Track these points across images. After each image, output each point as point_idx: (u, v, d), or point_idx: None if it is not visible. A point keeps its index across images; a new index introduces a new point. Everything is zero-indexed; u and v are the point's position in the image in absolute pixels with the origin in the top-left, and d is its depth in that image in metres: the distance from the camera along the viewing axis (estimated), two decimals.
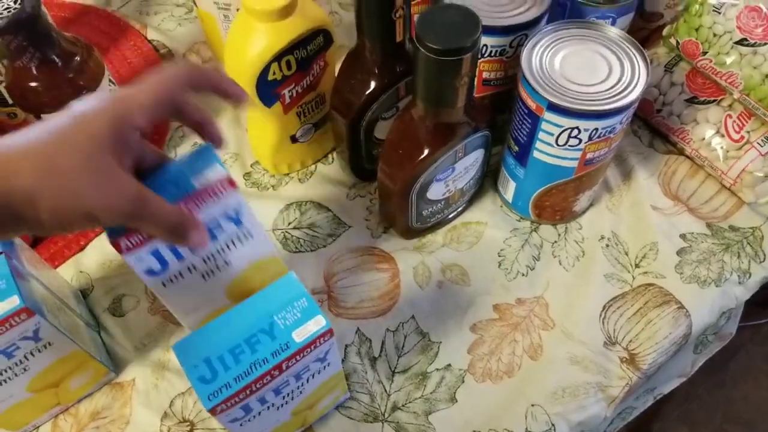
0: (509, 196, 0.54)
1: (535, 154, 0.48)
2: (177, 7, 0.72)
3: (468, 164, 0.50)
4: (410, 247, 0.54)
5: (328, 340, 0.36)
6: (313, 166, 0.59)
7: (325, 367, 0.39)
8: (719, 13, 0.52)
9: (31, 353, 0.40)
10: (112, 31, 0.69)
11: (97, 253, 0.55)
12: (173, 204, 0.33)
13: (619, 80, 0.44)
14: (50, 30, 0.47)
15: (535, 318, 0.50)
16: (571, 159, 0.47)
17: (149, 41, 0.69)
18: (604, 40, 0.46)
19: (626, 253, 0.53)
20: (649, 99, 0.58)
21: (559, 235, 0.54)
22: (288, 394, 0.38)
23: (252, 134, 0.58)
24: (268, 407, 0.38)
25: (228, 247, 0.38)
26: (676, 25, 0.54)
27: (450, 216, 0.55)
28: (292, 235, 0.55)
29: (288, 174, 0.59)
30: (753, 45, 0.50)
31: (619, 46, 0.46)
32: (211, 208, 0.35)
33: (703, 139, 0.55)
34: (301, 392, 0.39)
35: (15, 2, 0.44)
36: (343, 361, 0.48)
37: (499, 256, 0.53)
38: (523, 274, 0.52)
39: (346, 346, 0.49)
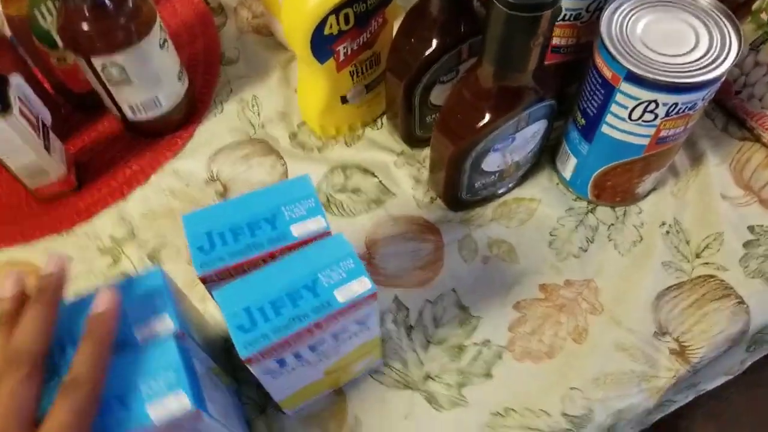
0: (568, 173, 0.51)
1: (604, 128, 0.45)
2: None
3: (528, 135, 0.47)
4: (457, 220, 0.52)
5: (370, 304, 0.35)
6: (362, 130, 0.57)
7: (364, 330, 0.37)
8: None
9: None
10: None
11: (139, 203, 0.54)
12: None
13: (707, 52, 0.40)
14: None
15: (584, 301, 0.48)
16: (644, 136, 0.44)
17: None
18: (693, 7, 0.42)
19: (687, 242, 0.50)
20: (728, 79, 0.54)
21: (617, 218, 0.51)
22: (324, 353, 0.37)
23: (301, 94, 0.56)
24: (303, 364, 0.36)
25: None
26: None
27: (501, 191, 0.52)
28: (336, 199, 0.53)
29: (335, 137, 0.57)
30: None
31: (710, 15, 0.42)
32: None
33: None
34: (337, 352, 0.38)
35: None
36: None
37: (551, 235, 0.51)
38: (574, 256, 0.49)
39: (382, 312, 0.47)
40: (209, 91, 0.60)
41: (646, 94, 0.40)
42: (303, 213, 0.36)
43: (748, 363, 0.55)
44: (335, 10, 0.45)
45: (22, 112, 0.47)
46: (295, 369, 0.37)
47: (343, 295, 0.33)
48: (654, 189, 0.52)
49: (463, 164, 0.46)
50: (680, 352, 0.46)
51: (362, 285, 0.34)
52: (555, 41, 0.48)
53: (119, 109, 0.53)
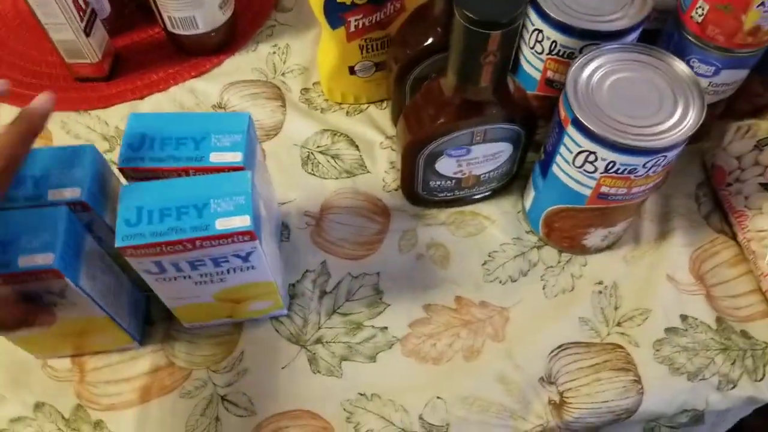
0: (527, 204, 0.52)
1: (554, 168, 0.45)
2: None
3: (489, 153, 0.48)
4: (411, 212, 0.54)
5: (248, 241, 0.38)
6: (366, 106, 0.60)
7: (249, 267, 0.41)
8: None
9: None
10: None
11: (151, 107, 0.60)
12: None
13: (662, 122, 0.40)
14: None
15: (489, 326, 0.48)
16: (585, 186, 0.44)
17: None
18: (671, 75, 0.42)
19: (615, 308, 0.49)
20: (725, 168, 0.52)
21: (559, 262, 0.51)
22: (206, 275, 0.41)
23: (319, 54, 0.59)
24: (184, 277, 0.40)
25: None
26: None
27: (461, 198, 0.53)
28: (315, 158, 0.57)
29: (340, 104, 0.60)
30: None
31: (682, 88, 0.41)
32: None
33: (760, 231, 0.49)
34: (221, 280, 0.42)
35: None
36: (297, 282, 0.50)
37: (489, 256, 0.52)
38: (501, 282, 0.50)
39: (307, 271, 0.51)
40: (253, 30, 0.65)
41: (586, 143, 0.41)
42: (231, 209, 0.38)
43: None
44: None
45: None
46: (177, 280, 0.41)
47: (222, 224, 0.37)
48: (608, 248, 0.52)
49: (416, 158, 0.48)
50: (558, 405, 0.46)
51: (243, 221, 0.37)
52: (549, 74, 0.49)
53: (162, 19, 0.59)
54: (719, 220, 0.53)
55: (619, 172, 0.41)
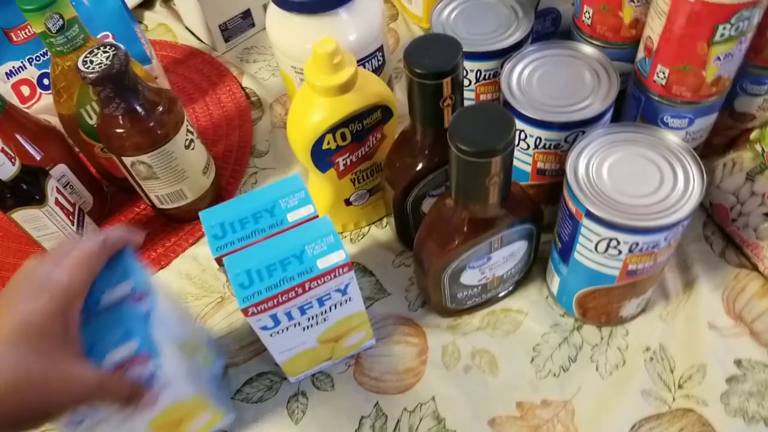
0: (554, 288, 0.53)
1: (576, 255, 0.46)
2: (273, 58, 0.77)
3: (507, 254, 0.49)
4: (444, 326, 0.54)
5: (346, 273, 0.43)
6: (367, 228, 0.61)
7: (346, 300, 0.45)
8: None
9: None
10: (213, 75, 0.75)
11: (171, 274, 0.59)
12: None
13: (669, 195, 0.41)
14: (136, 84, 0.52)
15: (559, 424, 0.48)
16: (613, 267, 0.45)
17: (243, 88, 0.74)
18: (660, 146, 0.44)
19: (671, 371, 0.49)
20: (725, 205, 0.54)
21: (602, 338, 0.51)
22: (312, 317, 0.45)
23: (311, 191, 0.60)
24: (295, 324, 0.45)
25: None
26: (764, 130, 0.50)
27: (489, 299, 0.54)
28: None
29: (341, 233, 0.61)
30: None
31: (676, 157, 0.43)
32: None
33: None
34: (325, 319, 0.46)
35: (107, 59, 0.50)
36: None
37: (534, 351, 0.51)
38: (554, 375, 0.50)
39: (362, 417, 0.50)
40: (237, 181, 0.66)
41: (606, 232, 0.42)
42: (324, 248, 0.42)
43: None
44: (331, 130, 0.49)
45: (57, 202, 0.54)
46: (289, 329, 0.45)
47: (322, 263, 0.42)
48: (642, 311, 0.52)
49: (440, 278, 0.48)
50: None
51: (339, 256, 0.42)
52: (539, 165, 0.50)
53: (149, 198, 0.59)
54: (735, 254, 0.54)
55: (644, 250, 0.42)
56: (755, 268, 0.53)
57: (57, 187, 0.54)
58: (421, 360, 0.52)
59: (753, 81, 0.52)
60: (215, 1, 0.74)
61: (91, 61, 0.50)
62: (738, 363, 0.49)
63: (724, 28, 0.43)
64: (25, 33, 0.62)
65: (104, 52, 0.50)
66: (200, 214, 0.46)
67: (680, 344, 0.50)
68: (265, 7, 0.78)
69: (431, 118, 0.46)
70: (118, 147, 0.54)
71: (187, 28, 0.81)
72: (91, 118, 0.57)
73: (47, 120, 0.60)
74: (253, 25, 0.79)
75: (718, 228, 0.56)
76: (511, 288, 0.54)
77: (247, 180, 0.66)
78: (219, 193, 0.64)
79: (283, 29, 0.56)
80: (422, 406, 0.50)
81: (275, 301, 0.42)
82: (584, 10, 0.54)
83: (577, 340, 0.52)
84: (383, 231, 0.61)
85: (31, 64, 0.64)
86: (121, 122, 0.52)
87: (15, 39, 0.62)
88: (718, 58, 0.46)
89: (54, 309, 0.35)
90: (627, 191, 0.42)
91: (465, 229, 0.45)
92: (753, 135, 0.51)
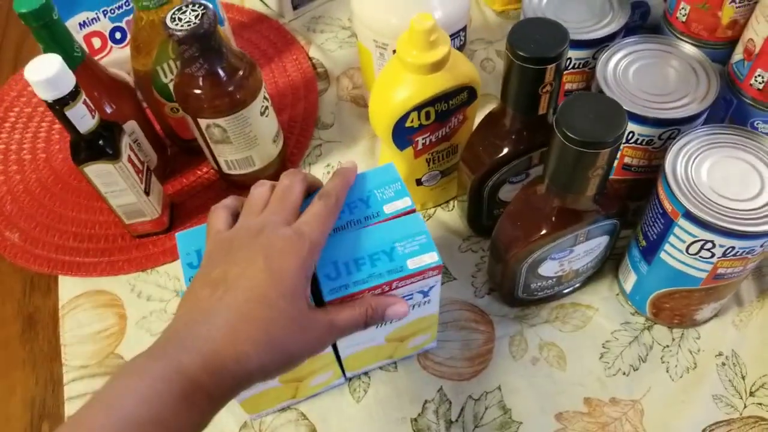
0: (628, 287, 0.52)
1: (663, 255, 0.45)
2: (342, 30, 0.76)
3: (589, 248, 0.48)
4: (511, 315, 0.53)
5: (435, 276, 0.41)
6: (433, 210, 0.60)
7: (426, 302, 0.44)
8: None
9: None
10: (279, 43, 0.74)
11: None
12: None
13: None
14: (221, 46, 0.51)
15: (627, 423, 0.47)
16: (701, 270, 0.44)
17: (310, 58, 0.73)
18: (762, 152, 0.42)
19: (743, 377, 0.48)
20: None
21: (674, 340, 0.51)
22: None
23: None
24: None
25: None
26: None
27: (559, 293, 0.53)
28: None
29: None
30: None
31: None
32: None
33: None
34: (399, 318, 0.43)
35: (196, 18, 0.49)
36: (419, 416, 0.49)
37: (603, 347, 0.51)
38: (624, 373, 0.49)
39: (426, 401, 0.49)
40: (300, 152, 0.65)
41: (703, 234, 0.41)
42: (416, 248, 0.41)
43: None
44: (417, 108, 0.48)
45: (129, 159, 0.53)
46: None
47: (413, 263, 0.40)
48: (715, 316, 0.51)
49: (519, 267, 0.47)
50: None
51: (431, 257, 0.40)
52: (626, 160, 0.49)
53: (217, 163, 0.59)
54: None
55: (737, 255, 0.41)
56: None
57: (129, 144, 0.54)
58: (488, 348, 0.51)
59: None
60: None
61: (180, 19, 0.49)
62: None
63: None
64: None
65: (193, 10, 0.49)
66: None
67: (753, 351, 0.49)
68: None
69: (527, 104, 0.45)
70: (196, 108, 0.53)
71: None
72: (166, 77, 0.57)
73: (118, 74, 0.59)
74: None
75: None
76: (580, 283, 0.53)
77: (311, 151, 0.65)
78: (284, 163, 0.63)
79: (370, 2, 0.55)
80: (488, 394, 0.49)
81: (360, 297, 0.40)
82: (680, 6, 0.52)
83: (648, 340, 0.51)
84: (450, 214, 0.60)
85: (105, 16, 0.63)
86: (201, 84, 0.52)
87: None
88: None
89: (305, 265, 0.36)
90: (727, 194, 0.41)
91: (554, 219, 0.44)
92: None
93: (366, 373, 0.51)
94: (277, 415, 0.49)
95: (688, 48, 0.48)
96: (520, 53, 0.41)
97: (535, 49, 0.41)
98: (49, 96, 0.46)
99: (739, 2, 0.49)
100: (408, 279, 0.40)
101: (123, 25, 0.64)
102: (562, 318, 0.52)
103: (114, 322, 0.55)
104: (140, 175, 0.56)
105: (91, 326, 0.55)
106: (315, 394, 0.50)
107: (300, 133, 0.67)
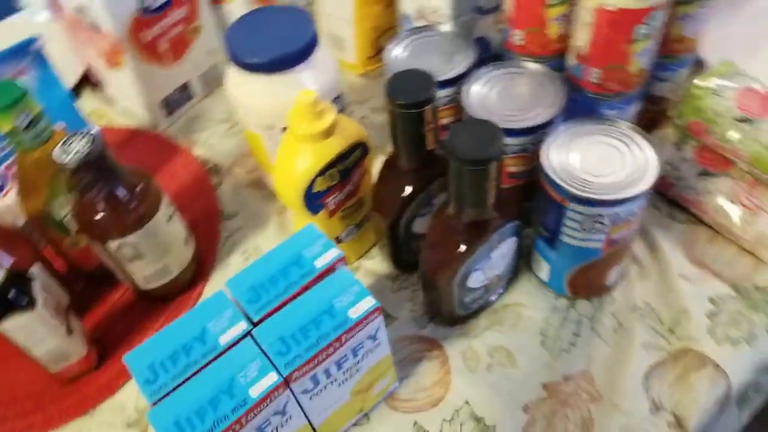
0: (544, 276, 0.58)
1: (564, 238, 0.52)
2: (221, 123, 0.79)
3: (503, 252, 0.54)
4: (455, 334, 0.57)
5: (377, 318, 0.44)
6: (357, 263, 0.64)
7: (376, 346, 0.46)
8: (718, 95, 0.56)
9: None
10: (163, 151, 0.75)
11: None
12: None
13: (633, 169, 0.48)
14: (115, 167, 0.52)
15: (583, 392, 0.53)
16: (597, 241, 0.51)
17: (197, 157, 0.75)
18: (615, 132, 0.51)
19: (661, 322, 0.56)
20: (663, 175, 0.62)
21: (595, 309, 0.57)
22: (348, 370, 0.46)
23: None
24: (332, 381, 0.45)
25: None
26: (681, 107, 0.59)
27: (491, 300, 0.58)
28: None
29: None
30: (752, 121, 0.55)
31: (629, 137, 0.50)
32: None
33: (718, 207, 0.59)
34: (358, 369, 0.46)
35: (85, 145, 0.50)
36: None
37: (541, 334, 0.56)
38: (565, 351, 0.55)
39: None
40: (213, 248, 0.67)
41: (590, 210, 0.48)
42: (352, 298, 0.44)
43: (746, 417, 0.60)
44: (321, 173, 0.53)
45: (45, 303, 0.52)
46: (327, 388, 0.45)
47: (354, 313, 0.43)
48: (622, 278, 0.59)
49: (451, 287, 0.52)
50: (678, 423, 0.51)
51: (367, 303, 0.43)
52: (511, 169, 0.56)
53: (133, 282, 0.59)
54: (680, 213, 0.62)
55: (622, 220, 0.49)
56: (700, 220, 0.61)
57: (40, 286, 0.53)
58: (445, 370, 0.55)
59: (662, 68, 0.61)
60: (154, 79, 0.75)
61: (68, 151, 0.49)
62: (712, 301, 0.56)
63: (641, 28, 0.51)
64: None
65: (80, 139, 0.50)
66: (254, 331, 0.43)
67: (661, 298, 0.57)
68: (202, 78, 0.80)
69: (416, 144, 0.50)
70: (102, 233, 0.54)
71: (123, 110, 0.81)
72: (62, 212, 0.56)
73: (6, 221, 0.58)
74: (191, 96, 0.80)
75: (660, 195, 0.64)
76: (503, 287, 0.59)
77: (224, 244, 0.67)
78: (200, 263, 0.64)
79: (247, 90, 0.59)
80: (458, 411, 0.53)
81: (316, 361, 0.42)
82: (515, 33, 0.61)
83: (575, 317, 0.57)
84: (373, 261, 0.64)
85: None
86: (103, 207, 0.52)
87: None
88: (639, 54, 0.54)
89: None
90: (598, 173, 0.48)
91: (467, 234, 0.49)
92: (673, 112, 0.60)
93: None
94: None
95: (532, 65, 0.57)
96: (401, 102, 0.47)
97: (412, 95, 0.47)
98: None
99: (561, 18, 0.58)
100: (354, 329, 0.43)
101: (1, 172, 0.63)
102: (498, 321, 0.58)
103: None
104: (59, 317, 0.54)
105: None
106: (378, 401, 0.52)
107: (207, 230, 0.68)
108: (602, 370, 0.54)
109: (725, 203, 0.58)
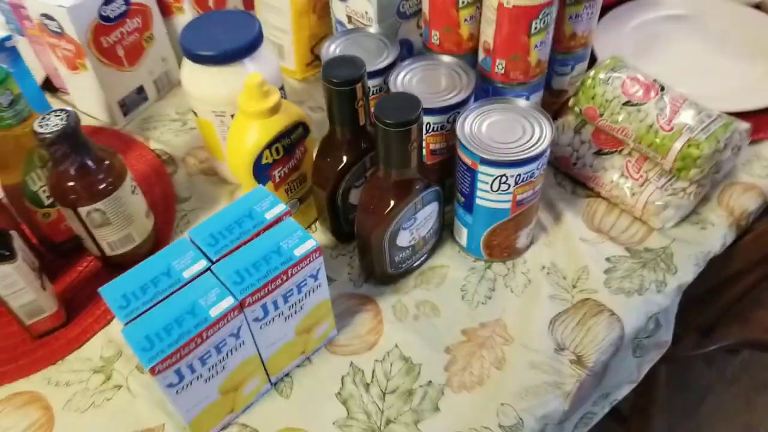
0: (464, 241, 0.66)
1: (478, 201, 0.60)
2: (173, 122, 0.86)
3: (426, 215, 0.62)
4: (388, 291, 0.65)
5: (318, 258, 0.52)
6: None
7: (317, 286, 0.54)
8: (608, 84, 0.67)
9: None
10: (121, 145, 0.82)
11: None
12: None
13: (531, 137, 0.58)
14: (86, 141, 0.59)
15: (497, 336, 0.61)
16: (506, 201, 0.59)
17: (152, 150, 0.81)
18: (518, 110, 0.60)
19: (564, 278, 0.65)
20: (566, 156, 0.72)
21: (508, 269, 0.66)
22: (293, 306, 0.53)
23: None
24: (279, 314, 0.52)
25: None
26: (577, 96, 0.70)
27: (417, 263, 0.66)
28: None
29: None
30: (636, 105, 0.65)
31: (530, 113, 0.60)
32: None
33: (612, 181, 0.69)
34: (301, 307, 0.54)
35: (61, 121, 0.56)
36: (341, 389, 0.58)
37: (462, 290, 0.64)
38: (482, 303, 0.63)
39: (343, 376, 0.58)
40: (170, 225, 0.73)
41: (497, 171, 0.57)
42: (297, 241, 0.52)
43: (645, 370, 0.69)
44: (268, 146, 0.60)
45: (24, 259, 0.58)
46: (274, 320, 0.52)
47: (298, 251, 0.51)
48: (531, 243, 0.68)
49: (382, 243, 0.60)
50: (578, 360, 0.59)
51: (310, 244, 0.51)
52: (432, 146, 0.65)
53: (99, 248, 0.65)
54: (582, 189, 0.72)
55: (524, 180, 0.58)
56: (599, 194, 0.71)
57: (21, 245, 0.58)
58: (378, 320, 0.62)
59: (561, 64, 0.72)
60: (112, 81, 0.82)
61: (47, 125, 0.56)
62: (608, 259, 0.66)
63: (537, 22, 0.61)
64: None
65: (56, 116, 0.57)
66: (213, 268, 0.50)
67: (565, 258, 0.66)
68: (155, 83, 0.88)
69: (350, 118, 0.59)
70: (74, 199, 0.60)
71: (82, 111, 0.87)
72: (35, 185, 0.62)
73: None
74: (146, 99, 0.87)
75: (564, 175, 0.74)
76: (428, 251, 0.67)
77: (178, 222, 0.73)
78: (158, 237, 0.71)
79: (199, 81, 0.67)
80: (389, 353, 0.60)
81: (266, 290, 0.49)
82: (432, 34, 0.71)
83: (491, 275, 0.65)
84: (315, 234, 0.71)
85: None
86: (76, 176, 0.59)
87: None
88: (536, 46, 0.64)
89: None
90: (503, 141, 0.58)
91: (395, 193, 0.57)
92: (571, 101, 0.70)
93: (287, 375, 0.59)
94: None
95: (447, 58, 0.66)
96: (335, 80, 0.55)
97: (345, 75, 0.55)
98: None
99: (470, 19, 0.68)
100: (298, 265, 0.51)
101: None
102: (425, 281, 0.65)
103: (40, 414, 0.57)
104: (36, 273, 0.60)
105: (17, 426, 0.57)
106: (249, 404, 0.57)
107: (164, 211, 0.74)
108: (514, 318, 0.62)
109: (618, 177, 0.69)
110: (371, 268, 0.64)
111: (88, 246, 0.65)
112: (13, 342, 0.63)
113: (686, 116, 0.64)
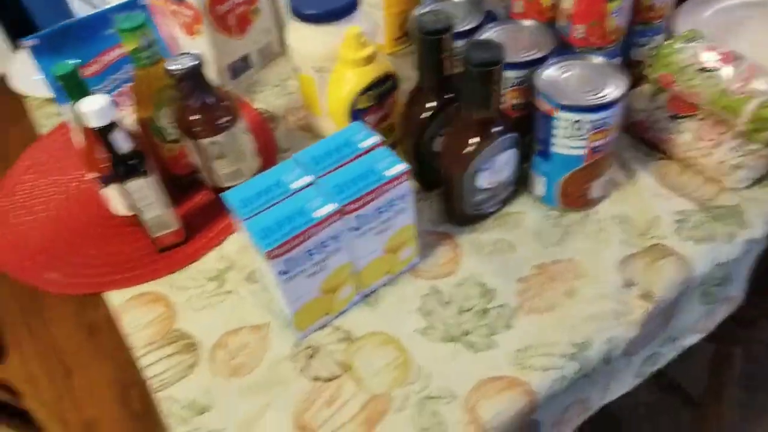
0: (540, 191, 0.71)
1: (554, 147, 0.66)
2: (274, 87, 0.95)
3: (504, 160, 0.67)
4: (466, 230, 0.71)
5: (406, 181, 0.59)
6: None
7: (405, 209, 0.61)
8: (683, 52, 0.71)
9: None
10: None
11: (233, 245, 0.73)
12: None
13: (606, 89, 0.62)
14: (209, 82, 0.69)
15: (568, 272, 0.65)
16: (581, 147, 0.64)
17: (255, 108, 0.91)
18: (594, 66, 0.65)
19: (635, 226, 0.68)
20: (641, 120, 0.76)
21: (582, 218, 0.70)
22: (384, 222, 0.60)
23: None
24: (371, 228, 0.59)
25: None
26: (653, 64, 0.74)
27: (495, 208, 0.71)
28: None
29: None
30: (710, 71, 0.69)
31: (605, 69, 0.65)
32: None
33: (686, 143, 0.72)
34: (391, 226, 0.60)
35: (189, 61, 0.66)
36: (422, 305, 0.64)
37: (536, 233, 0.69)
38: (556, 245, 0.68)
39: (422, 295, 0.65)
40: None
41: (573, 116, 0.62)
42: (387, 164, 0.59)
43: (717, 320, 0.72)
44: (363, 91, 0.68)
45: (155, 177, 0.67)
46: (367, 233, 0.59)
47: (389, 172, 0.58)
48: (604, 197, 0.72)
49: (461, 181, 0.66)
50: (645, 295, 0.63)
51: (400, 167, 0.58)
52: (513, 102, 0.70)
53: (213, 180, 0.74)
54: (656, 153, 0.76)
55: (598, 127, 0.62)
56: (672, 157, 0.74)
57: (152, 167, 0.68)
58: (456, 253, 0.68)
59: (639, 35, 0.76)
60: (224, 47, 0.92)
61: (177, 64, 0.66)
62: (679, 213, 0.69)
63: None
64: (93, 68, 0.77)
65: (185, 57, 0.67)
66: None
67: (637, 211, 0.70)
68: (260, 51, 0.98)
69: (436, 66, 0.65)
70: (197, 131, 0.69)
71: None
72: (163, 121, 0.72)
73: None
74: (250, 67, 0.98)
75: (639, 139, 0.77)
76: (505, 198, 0.72)
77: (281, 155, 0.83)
78: None
79: (304, 38, 0.75)
80: (466, 279, 0.66)
81: (362, 202, 0.57)
82: (515, 3, 0.77)
83: (566, 222, 0.70)
84: None
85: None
86: (199, 110, 0.68)
87: (85, 74, 0.77)
88: (614, 12, 0.69)
89: None
90: (580, 91, 0.63)
91: (477, 132, 0.63)
92: (647, 70, 0.74)
93: (375, 291, 0.66)
94: (319, 333, 0.63)
95: (527, 22, 0.72)
96: (426, 30, 0.62)
97: (433, 26, 0.62)
98: (98, 123, 0.61)
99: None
100: (389, 184, 0.58)
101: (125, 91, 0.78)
102: (503, 224, 0.71)
103: (164, 309, 0.67)
104: (164, 191, 0.70)
105: (146, 317, 0.67)
106: (342, 311, 0.64)
107: (267, 158, 0.83)
108: (586, 259, 0.66)
109: (692, 140, 0.72)
110: (452, 209, 0.70)
111: (204, 178, 0.75)
112: (141, 254, 0.73)
113: (760, 82, 0.67)
